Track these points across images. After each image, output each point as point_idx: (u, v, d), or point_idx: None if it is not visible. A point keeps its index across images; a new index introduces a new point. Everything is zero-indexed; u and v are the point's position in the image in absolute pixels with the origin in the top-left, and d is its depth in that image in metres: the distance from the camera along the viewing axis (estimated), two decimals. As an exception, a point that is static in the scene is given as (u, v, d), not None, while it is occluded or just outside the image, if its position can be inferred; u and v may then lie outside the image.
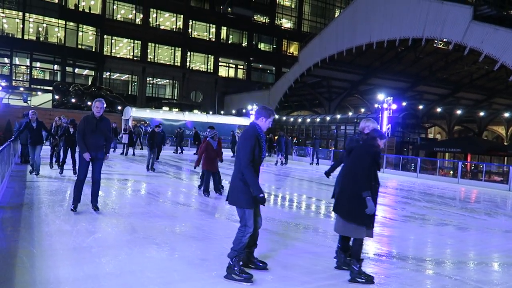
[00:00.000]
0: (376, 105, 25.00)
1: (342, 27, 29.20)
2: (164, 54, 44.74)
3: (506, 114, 33.85)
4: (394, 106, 23.36)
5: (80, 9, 39.34)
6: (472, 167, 20.95)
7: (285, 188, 12.28)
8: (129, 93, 43.11)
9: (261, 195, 3.88)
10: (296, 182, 14.40)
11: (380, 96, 23.89)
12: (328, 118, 30.41)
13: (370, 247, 5.71)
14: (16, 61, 37.76)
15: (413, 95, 36.27)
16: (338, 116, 30.05)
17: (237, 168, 4.05)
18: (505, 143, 37.00)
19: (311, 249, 5.32)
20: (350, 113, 33.26)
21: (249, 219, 4.00)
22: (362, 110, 36.24)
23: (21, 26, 36.56)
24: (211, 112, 38.66)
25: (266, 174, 16.06)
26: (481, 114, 34.46)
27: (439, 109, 34.00)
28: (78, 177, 6.48)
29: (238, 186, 4.01)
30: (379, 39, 25.67)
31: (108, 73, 41.95)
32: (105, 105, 6.66)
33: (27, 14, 36.61)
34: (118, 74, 43.18)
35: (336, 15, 46.46)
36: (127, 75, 43.32)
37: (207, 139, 9.02)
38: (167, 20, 44.60)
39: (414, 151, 26.33)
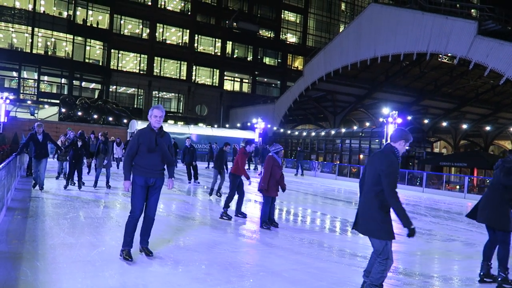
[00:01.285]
0: (381, 119, 24.96)
1: (346, 42, 29.39)
2: (170, 68, 45.18)
3: (512, 129, 33.68)
4: (399, 120, 23.31)
5: (88, 24, 39.97)
6: (479, 182, 20.73)
7: (290, 202, 12.20)
8: (135, 106, 43.44)
9: (412, 226, 3.61)
10: (301, 196, 14.32)
11: (385, 110, 23.86)
12: (333, 132, 30.38)
13: (376, 262, 5.63)
14: (24, 74, 38.27)
15: (418, 109, 36.21)
16: (343, 130, 30.03)
17: (370, 195, 3.72)
18: (512, 158, 36.62)
19: (316, 264, 5.26)
20: (355, 127, 33.22)
21: (391, 251, 3.75)
22: (367, 124, 36.21)
23: (30, 40, 37.15)
24: (216, 126, 38.79)
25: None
26: (487, 128, 34.29)
27: (444, 124, 33.90)
28: (132, 213, 4.80)
29: (376, 216, 3.67)
30: (383, 54, 25.77)
31: (115, 87, 42.37)
32: (164, 114, 5.09)
33: (36, 29, 37.23)
34: (124, 88, 43.59)
35: (340, 30, 46.84)
36: (133, 89, 43.72)
37: (271, 154, 7.38)
38: (173, 35, 45.17)
39: (419, 165, 26.17)
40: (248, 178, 8.31)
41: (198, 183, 14.14)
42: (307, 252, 5.86)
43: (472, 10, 30.39)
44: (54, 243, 5.35)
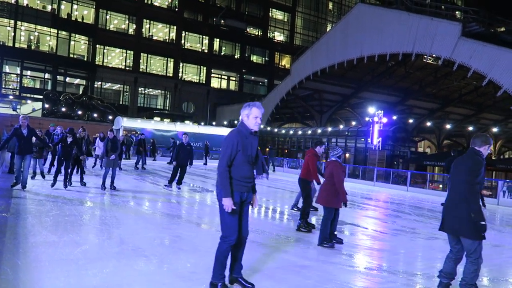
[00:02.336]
0: (367, 119, 25.22)
1: (333, 41, 29.55)
2: (156, 65, 44.77)
3: (494, 129, 34.40)
4: (384, 120, 23.57)
5: (73, 19, 39.33)
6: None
7: (276, 199, 12.23)
8: (121, 103, 42.94)
9: (483, 223, 3.79)
10: (287, 194, 14.36)
11: (371, 110, 24.11)
12: (319, 131, 30.55)
13: (360, 260, 5.69)
14: (7, 69, 37.47)
15: (403, 109, 36.67)
16: (329, 129, 30.22)
17: (460, 197, 3.91)
18: (493, 158, 37.52)
19: (301, 262, 5.28)
20: (341, 126, 33.47)
21: (481, 250, 3.92)
22: (353, 123, 36.53)
23: (12, 34, 36.37)
24: (202, 123, 38.62)
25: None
26: (470, 128, 34.93)
27: (428, 123, 34.40)
28: (226, 238, 3.88)
29: (467, 217, 3.84)
30: (370, 54, 25.99)
31: (100, 83, 41.79)
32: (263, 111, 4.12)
33: (18, 22, 36.46)
34: (109, 84, 43.04)
35: (327, 29, 47.08)
36: (119, 85, 43.19)
37: (331, 159, 6.29)
38: (160, 31, 44.76)
39: (404, 165, 26.52)
40: (319, 183, 7.02)
41: (179, 188, 11.69)
42: (293, 250, 5.87)
43: (457, 12, 30.92)
44: (36, 241, 5.25)
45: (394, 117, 27.78)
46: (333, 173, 6.00)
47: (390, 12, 25.38)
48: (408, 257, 6.28)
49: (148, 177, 15.38)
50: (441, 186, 19.63)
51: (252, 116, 3.93)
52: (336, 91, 34.50)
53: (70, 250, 4.93)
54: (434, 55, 23.52)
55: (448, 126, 33.84)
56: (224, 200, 3.76)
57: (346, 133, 27.95)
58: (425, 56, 24.93)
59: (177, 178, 11.59)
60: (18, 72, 37.46)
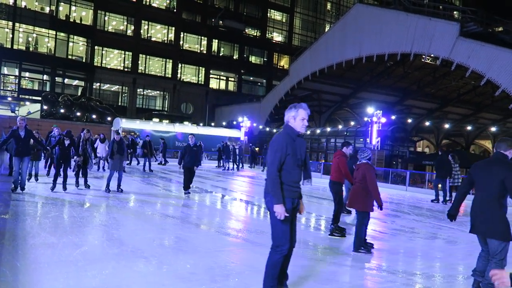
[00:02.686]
0: (365, 119, 25.23)
1: (332, 42, 29.57)
2: (155, 66, 44.75)
3: (493, 129, 34.44)
4: (383, 120, 23.58)
5: (72, 20, 39.29)
6: (461, 180, 21.11)
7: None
8: (119, 104, 42.90)
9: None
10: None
11: (370, 110, 24.12)
12: (318, 131, 30.56)
13: (359, 260, 5.69)
14: (5, 70, 37.42)
15: (402, 109, 36.71)
16: (328, 129, 30.23)
17: (489, 199, 4.00)
18: (492, 157, 37.50)
19: (301, 262, 5.28)
20: (340, 126, 33.49)
21: (506, 252, 3.94)
22: (352, 123, 36.56)
23: (11, 35, 36.32)
24: (201, 124, 38.62)
25: (252, 185, 16.02)
26: (468, 128, 34.99)
27: (427, 123, 34.44)
28: (278, 248, 3.68)
29: (497, 219, 3.92)
30: (368, 54, 26.01)
31: (98, 84, 41.74)
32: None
33: (17, 24, 36.41)
34: (108, 85, 42.99)
35: (326, 30, 47.13)
36: (118, 86, 43.16)
37: (362, 161, 6.08)
38: (158, 32, 44.74)
39: (403, 164, 26.53)
40: (353, 184, 6.51)
41: (189, 193, 10.85)
42: (293, 251, 5.86)
43: (455, 12, 30.97)
44: (35, 242, 5.24)
45: (393, 117, 27.79)
46: (365, 176, 5.83)
47: (388, 12, 25.41)
48: (407, 256, 6.29)
49: (149, 179, 15.37)
50: (440, 185, 19.59)
51: (299, 118, 3.77)
52: (335, 91, 34.52)
53: (69, 252, 4.93)
54: (432, 55, 23.55)
55: (446, 126, 33.91)
56: (276, 207, 3.53)
57: (345, 133, 27.94)
58: (424, 56, 24.98)
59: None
60: (17, 73, 37.40)
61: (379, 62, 27.30)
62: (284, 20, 53.15)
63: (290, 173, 3.63)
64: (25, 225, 6.19)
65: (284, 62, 52.52)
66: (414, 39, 22.99)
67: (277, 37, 52.92)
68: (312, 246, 6.30)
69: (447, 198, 13.94)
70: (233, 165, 24.27)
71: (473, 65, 20.15)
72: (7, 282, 3.81)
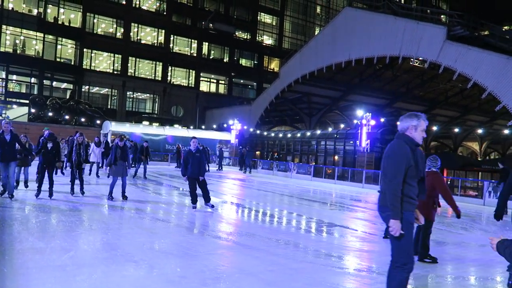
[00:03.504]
0: (355, 121, 25.42)
1: (322, 45, 29.76)
2: (145, 69, 44.52)
3: (480, 131, 34.94)
4: (372, 122, 23.77)
5: (60, 22, 38.90)
6: (448, 182, 21.38)
7: (266, 203, 12.24)
8: (109, 107, 42.54)
9: None
10: (277, 197, 14.39)
11: (359, 112, 24.31)
12: (308, 134, 30.67)
13: (350, 262, 5.73)
14: (-8, 73, 36.88)
15: (391, 112, 37.02)
16: (318, 132, 30.36)
17: None
18: (479, 159, 38.10)
19: (291, 265, 5.29)
20: (330, 129, 33.67)
21: None
22: (342, 125, 36.79)
23: (-2, 38, 35.83)
24: (192, 127, 38.49)
25: (246, 188, 16.01)
26: (456, 130, 35.43)
27: (416, 125, 34.72)
28: (404, 266, 3.38)
29: None
30: (357, 57, 26.23)
31: (87, 87, 41.36)
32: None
33: (4, 26, 35.94)
34: (97, 88, 42.63)
35: (316, 33, 47.43)
36: (107, 89, 42.82)
37: (431, 169, 5.93)
38: (148, 35, 44.54)
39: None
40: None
41: (212, 206, 9.24)
42: (283, 253, 5.89)
43: (442, 16, 31.39)
44: (23, 247, 5.17)
45: (382, 120, 28.02)
46: (434, 186, 5.72)
47: (377, 16, 25.66)
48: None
49: (140, 184, 15.27)
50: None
51: (420, 129, 3.56)
52: (325, 94, 34.71)
53: (58, 256, 4.87)
54: (420, 58, 23.83)
55: (435, 128, 34.29)
56: (393, 223, 3.29)
57: (335, 135, 28.08)
58: (412, 59, 25.25)
59: (202, 194, 9.19)
60: (4, 76, 36.86)
61: (368, 65, 27.53)
62: (274, 23, 53.33)
63: (412, 186, 3.42)
64: (12, 230, 6.11)
65: (274, 65, 52.67)
66: (403, 42, 23.25)
67: (267, 40, 53.07)
68: (303, 249, 6.30)
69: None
70: (219, 166, 26.36)
71: (460, 68, 20.44)
72: (-7, 288, 3.76)
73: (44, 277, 4.13)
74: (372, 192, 17.49)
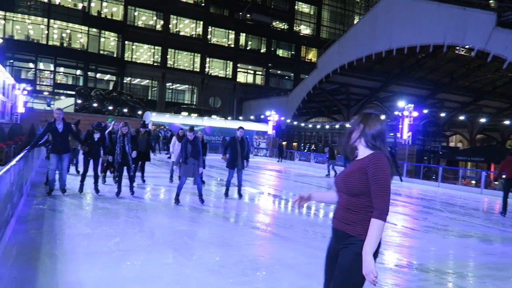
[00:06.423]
0: (396, 113, 24.66)
1: (361, 34, 28.99)
2: (183, 60, 45.28)
3: (531, 123, 32.92)
4: (415, 114, 23.00)
5: (103, 16, 40.22)
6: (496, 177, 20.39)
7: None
8: (149, 98, 43.73)
9: None
10: (314, 189, 14.28)
11: (401, 103, 23.56)
12: (347, 125, 30.13)
13: (390, 257, 5.61)
14: (41, 66, 38.79)
15: (434, 103, 35.65)
16: (357, 123, 29.74)
17: None
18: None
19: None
20: (369, 120, 32.88)
21: None
22: (382, 117, 35.81)
23: (46, 32, 37.57)
24: (229, 118, 38.84)
25: (281, 179, 16.01)
26: (506, 122, 33.59)
27: (461, 117, 33.32)
28: None
29: None
30: (399, 46, 25.36)
31: (129, 78, 42.67)
32: None
33: (51, 21, 37.62)
34: (138, 80, 43.88)
35: (355, 22, 46.22)
36: (147, 81, 43.99)
37: None
38: (187, 27, 45.19)
39: (435, 160, 25.82)
40: None
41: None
42: (321, 246, 5.83)
43: (491, 1, 29.66)
44: (72, 233, 5.44)
45: (425, 111, 27.02)
46: None
47: (420, 3, 24.61)
48: (440, 255, 6.13)
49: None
50: (474, 182, 19.03)
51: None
52: (364, 84, 33.90)
53: (104, 242, 5.09)
54: (467, 47, 22.70)
55: (482, 120, 32.69)
56: None
57: (374, 127, 27.41)
58: (457, 48, 24.10)
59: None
60: (52, 69, 38.73)
61: (410, 54, 26.58)
62: (312, 13, 52.48)
63: None
64: (62, 215, 6.44)
65: (312, 55, 51.96)
66: (448, 30, 22.21)
67: (305, 30, 52.35)
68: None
69: None
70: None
71: (510, 56, 19.30)
72: (47, 270, 3.98)
73: (92, 262, 4.33)
74: (414, 186, 16.99)
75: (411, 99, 27.69)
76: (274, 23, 49.37)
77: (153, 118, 29.45)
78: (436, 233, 7.52)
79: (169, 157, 15.23)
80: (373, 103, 37.71)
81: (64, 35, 39.34)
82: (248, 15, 47.06)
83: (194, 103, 45.05)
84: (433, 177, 18.48)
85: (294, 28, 51.06)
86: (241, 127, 9.52)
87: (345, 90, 34.73)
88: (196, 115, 36.24)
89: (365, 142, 2.34)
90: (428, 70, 30.96)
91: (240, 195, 9.63)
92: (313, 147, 31.66)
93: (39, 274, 3.86)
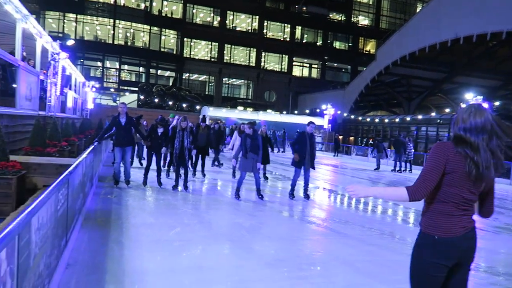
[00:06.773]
0: (462, 105, 23.16)
1: (424, 22, 27.50)
2: (239, 55, 45.86)
3: None
4: (485, 106, 21.46)
5: (163, 14, 41.82)
6: None
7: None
8: (206, 93, 44.88)
9: None
10: (371, 185, 13.86)
11: (468, 96, 22.10)
12: (408, 119, 28.86)
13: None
14: (107, 64, 41.26)
15: (506, 94, 33.04)
16: (420, 117, 28.37)
17: None
18: None
19: (389, 256, 5.08)
20: (433, 114, 31.26)
21: None
22: (447, 110, 33.86)
23: (112, 32, 39.82)
24: (284, 112, 38.79)
25: (337, 175, 15.74)
26: None
27: (537, 109, 30.59)
28: None
29: None
30: (467, 34, 23.73)
31: (187, 74, 44.09)
32: None
33: (117, 21, 39.80)
34: (196, 75, 45.19)
35: (417, 10, 43.92)
36: (205, 76, 45.14)
37: None
38: (243, 22, 45.65)
39: (507, 155, 23.95)
40: None
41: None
42: (379, 243, 5.68)
43: None
44: (137, 222, 5.76)
45: (496, 103, 25.13)
46: None
47: (491, -14, 22.83)
48: (511, 257, 5.71)
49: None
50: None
51: None
52: (426, 76, 32.21)
53: (165, 232, 5.33)
54: (545, 32, 20.73)
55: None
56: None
57: (438, 121, 25.98)
58: (535, 34, 22.06)
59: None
60: (117, 66, 41.05)
61: (479, 42, 24.77)
62: (370, 2, 50.67)
63: None
64: (128, 205, 6.83)
65: (370, 47, 50.27)
66: (523, 14, 20.41)
67: (363, 21, 50.71)
68: (400, 240, 6.02)
69: None
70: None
71: None
72: (114, 256, 4.25)
73: (154, 250, 4.56)
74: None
75: (480, 91, 25.89)
76: (330, 15, 48.35)
77: (210, 112, 30.20)
78: (508, 234, 7.01)
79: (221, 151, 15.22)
80: (437, 95, 35.77)
81: (128, 34, 41.48)
82: (304, 8, 46.49)
83: (250, 97, 45.52)
84: (504, 174, 17.14)
85: (352, 19, 49.65)
86: (311, 122, 8.53)
87: (405, 82, 33.27)
88: (251, 109, 36.62)
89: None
90: (500, 59, 28.70)
91: (307, 196, 8.72)
92: (371, 141, 30.73)
93: (107, 261, 4.12)
